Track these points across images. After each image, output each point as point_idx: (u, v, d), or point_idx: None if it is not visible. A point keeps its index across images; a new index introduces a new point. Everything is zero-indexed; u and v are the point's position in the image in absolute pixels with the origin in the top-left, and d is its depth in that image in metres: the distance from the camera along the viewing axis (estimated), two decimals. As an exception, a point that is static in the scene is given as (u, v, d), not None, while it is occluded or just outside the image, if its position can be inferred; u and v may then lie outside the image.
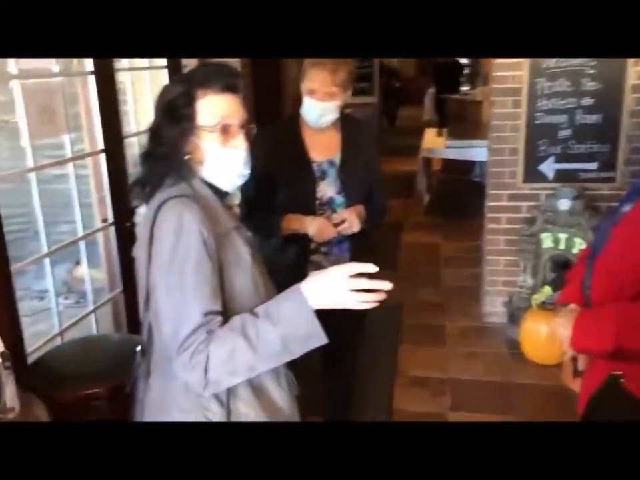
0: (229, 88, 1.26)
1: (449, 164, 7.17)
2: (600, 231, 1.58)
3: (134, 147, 2.84)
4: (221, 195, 1.33)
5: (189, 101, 1.24)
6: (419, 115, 11.41)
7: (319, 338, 1.15)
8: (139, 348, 1.34)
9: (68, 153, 2.53)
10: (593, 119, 3.36)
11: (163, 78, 3.22)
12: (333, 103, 2.00)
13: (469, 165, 6.94)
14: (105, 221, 2.76)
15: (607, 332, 1.40)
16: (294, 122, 2.13)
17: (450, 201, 6.64)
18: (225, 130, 1.26)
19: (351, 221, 2.01)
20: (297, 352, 1.16)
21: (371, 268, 1.15)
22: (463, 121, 7.53)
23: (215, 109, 1.25)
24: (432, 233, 5.57)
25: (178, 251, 1.17)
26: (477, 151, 5.58)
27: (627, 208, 1.51)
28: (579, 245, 3.25)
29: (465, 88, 9.64)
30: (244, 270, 1.29)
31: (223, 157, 1.28)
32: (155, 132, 1.27)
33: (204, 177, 1.30)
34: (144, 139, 1.34)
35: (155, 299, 1.21)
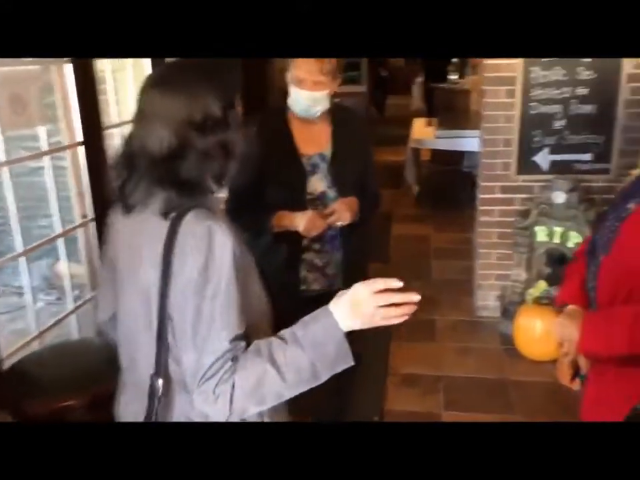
0: None
1: (438, 154, 7.07)
2: (604, 228, 1.49)
3: (115, 139, 2.72)
4: None
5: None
6: (407, 104, 11.30)
7: (347, 360, 1.10)
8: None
9: (44, 145, 2.40)
10: (587, 109, 3.29)
11: (146, 66, 3.08)
12: (322, 92, 1.91)
13: (458, 155, 6.85)
14: (84, 216, 2.64)
15: (621, 336, 1.33)
16: (281, 114, 2.02)
17: (440, 191, 6.57)
18: None
19: (339, 212, 1.92)
20: (324, 377, 1.10)
21: (396, 283, 1.08)
22: (452, 111, 7.45)
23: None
24: (422, 224, 5.49)
25: (209, 274, 1.07)
26: (466, 141, 5.49)
27: (632, 204, 1.43)
28: (575, 238, 3.19)
29: (453, 77, 9.53)
30: (254, 280, 1.22)
31: None
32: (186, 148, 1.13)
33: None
34: (126, 129, 1.23)
35: (173, 325, 1.10)
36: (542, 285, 3.25)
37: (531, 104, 3.32)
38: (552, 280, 3.26)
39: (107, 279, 1.28)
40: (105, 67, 2.86)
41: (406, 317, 1.09)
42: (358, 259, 2.14)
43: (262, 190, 1.94)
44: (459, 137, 5.62)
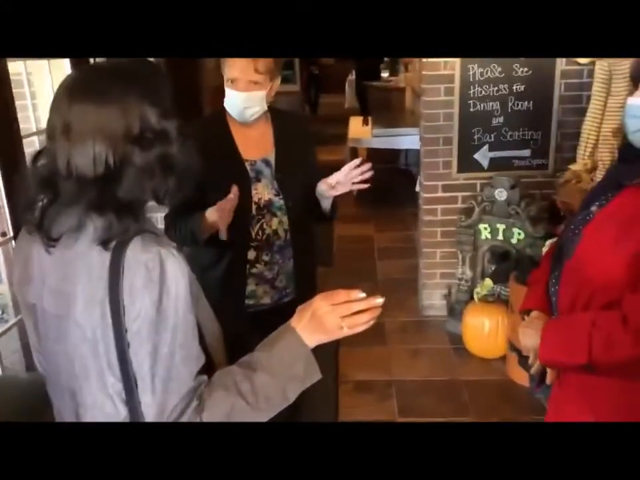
0: None
1: (374, 153, 7.07)
2: (569, 231, 1.45)
3: (34, 147, 2.48)
4: None
5: None
6: (340, 103, 11.30)
7: (315, 375, 1.05)
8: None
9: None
10: (524, 105, 3.31)
11: (65, 68, 2.85)
12: (257, 92, 1.78)
13: (395, 153, 6.88)
14: (4, 234, 2.39)
15: (581, 344, 1.28)
16: (220, 117, 1.88)
17: (379, 190, 6.54)
18: None
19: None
20: (294, 396, 1.05)
21: (358, 294, 1.04)
22: (387, 109, 7.47)
23: None
24: (364, 224, 5.44)
25: (165, 308, 0.95)
26: (404, 139, 5.50)
27: (594, 207, 1.39)
28: (517, 235, 3.20)
29: (385, 74, 9.58)
30: (203, 303, 1.13)
31: None
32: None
33: None
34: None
35: (128, 363, 0.97)
36: (488, 283, 3.24)
37: (470, 101, 3.31)
38: (497, 277, 3.27)
39: (32, 327, 1.10)
40: (20, 69, 2.62)
41: (372, 323, 1.05)
42: (308, 267, 2.04)
43: (203, 200, 1.79)
44: (396, 135, 5.61)
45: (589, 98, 2.96)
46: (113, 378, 0.98)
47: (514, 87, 3.26)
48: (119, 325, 0.95)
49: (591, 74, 3.05)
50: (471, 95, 3.29)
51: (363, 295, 1.03)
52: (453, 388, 2.98)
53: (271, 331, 1.07)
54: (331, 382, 3.06)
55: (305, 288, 1.97)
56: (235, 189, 1.71)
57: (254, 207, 1.85)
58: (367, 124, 6.19)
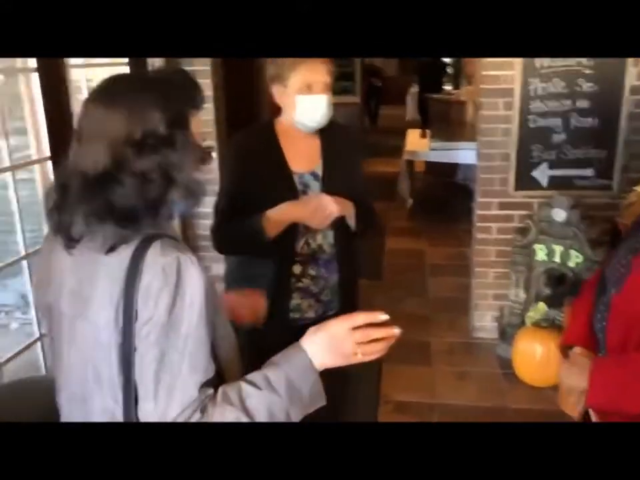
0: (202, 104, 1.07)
1: (432, 166, 6.94)
2: (615, 261, 1.33)
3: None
4: None
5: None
6: (400, 115, 11.22)
7: (320, 401, 1.03)
8: None
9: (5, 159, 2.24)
10: (588, 122, 3.14)
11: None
12: (329, 96, 1.76)
13: (452, 167, 6.73)
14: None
15: (635, 390, 1.16)
16: (269, 128, 1.86)
17: (434, 204, 6.43)
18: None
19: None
20: (297, 419, 1.02)
21: (380, 316, 1.01)
22: (447, 122, 7.33)
23: (200, 126, 1.06)
24: (417, 238, 5.33)
25: (178, 315, 0.94)
26: (461, 153, 5.36)
27: None
28: (575, 257, 3.03)
29: (447, 87, 9.43)
30: (221, 317, 1.10)
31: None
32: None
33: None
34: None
35: (132, 368, 0.96)
36: (541, 307, 3.09)
37: (530, 117, 3.17)
38: (552, 301, 3.11)
39: (47, 331, 1.12)
40: (80, 76, 2.70)
41: (383, 353, 1.02)
42: (352, 280, 2.00)
43: (250, 210, 1.77)
44: (453, 149, 5.48)
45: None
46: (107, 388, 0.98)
47: (577, 103, 3.10)
48: (129, 328, 0.94)
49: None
50: (531, 110, 3.16)
51: (386, 317, 1.00)
52: (499, 415, 2.84)
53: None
54: (372, 401, 2.98)
55: (349, 301, 1.95)
56: None
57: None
58: (424, 137, 6.08)
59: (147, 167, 0.96)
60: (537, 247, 3.17)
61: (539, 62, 3.09)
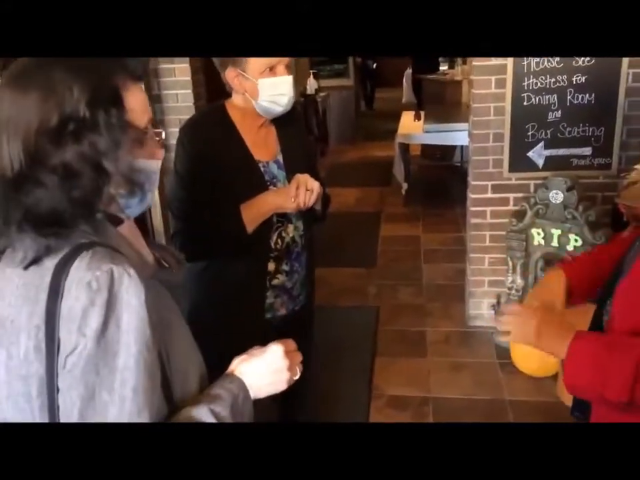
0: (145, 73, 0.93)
1: (427, 149, 6.80)
2: (632, 249, 1.24)
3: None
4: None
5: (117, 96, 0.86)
6: (397, 97, 11.00)
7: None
8: None
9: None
10: (585, 98, 2.98)
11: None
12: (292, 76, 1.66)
13: (449, 149, 6.57)
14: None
15: (621, 379, 1.04)
16: (223, 115, 1.68)
17: (430, 188, 6.28)
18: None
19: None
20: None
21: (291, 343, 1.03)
22: (442, 103, 7.14)
23: (143, 102, 0.91)
24: (412, 224, 5.19)
25: (109, 341, 0.79)
26: (456, 135, 5.19)
27: None
28: (574, 241, 2.89)
29: (442, 67, 9.22)
30: (180, 333, 0.96)
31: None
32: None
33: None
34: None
35: (56, 410, 0.81)
36: (540, 294, 2.95)
37: (524, 94, 3.01)
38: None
39: None
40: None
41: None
42: (314, 270, 1.91)
43: (218, 208, 1.62)
44: (449, 131, 5.31)
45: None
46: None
47: (574, 79, 2.94)
48: (51, 362, 0.79)
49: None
50: (525, 87, 2.99)
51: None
52: (497, 408, 2.72)
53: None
54: (363, 395, 2.86)
55: (313, 292, 1.91)
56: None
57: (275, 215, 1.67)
58: (418, 119, 5.91)
59: (69, 159, 0.80)
60: (534, 231, 3.03)
61: (532, 36, 2.92)
